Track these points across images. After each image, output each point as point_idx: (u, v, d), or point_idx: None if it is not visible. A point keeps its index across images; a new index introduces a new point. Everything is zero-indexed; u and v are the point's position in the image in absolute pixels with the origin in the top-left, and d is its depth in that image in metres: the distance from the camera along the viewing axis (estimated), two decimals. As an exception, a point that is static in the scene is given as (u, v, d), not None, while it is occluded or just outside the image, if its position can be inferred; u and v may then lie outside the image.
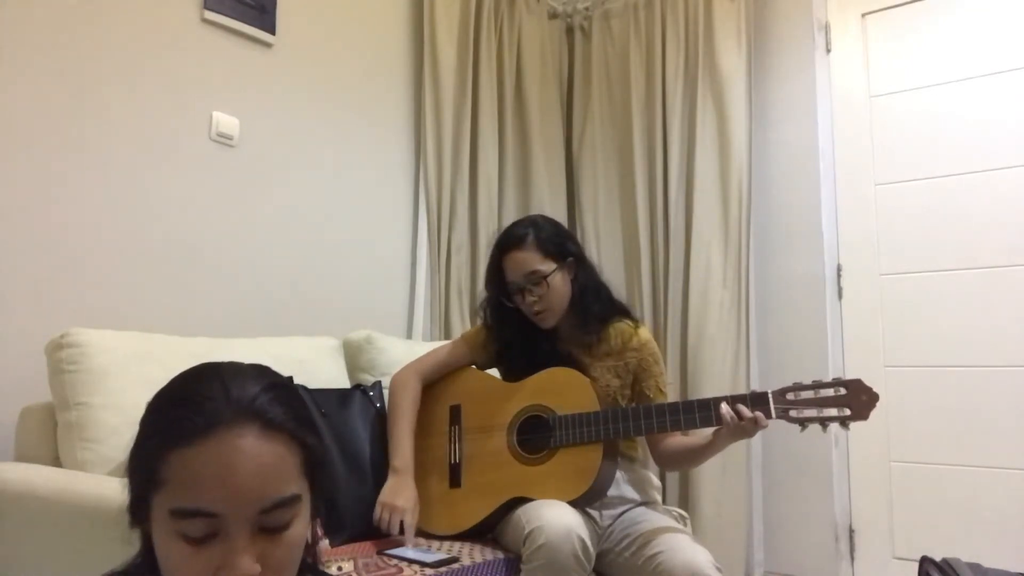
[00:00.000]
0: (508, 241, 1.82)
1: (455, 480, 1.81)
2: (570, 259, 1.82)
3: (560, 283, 1.79)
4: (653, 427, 1.67)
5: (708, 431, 1.67)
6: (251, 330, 2.18)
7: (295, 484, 0.68)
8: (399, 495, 1.70)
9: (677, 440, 1.78)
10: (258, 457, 0.65)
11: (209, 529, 0.64)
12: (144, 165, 2.08)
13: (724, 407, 1.58)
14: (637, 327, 1.87)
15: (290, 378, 0.74)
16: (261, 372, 0.73)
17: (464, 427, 1.84)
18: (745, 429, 1.57)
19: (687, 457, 1.79)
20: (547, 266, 1.77)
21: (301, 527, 0.69)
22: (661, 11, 3.12)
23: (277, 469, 0.67)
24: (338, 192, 2.59)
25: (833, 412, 1.54)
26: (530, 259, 1.77)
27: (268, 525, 0.66)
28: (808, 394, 1.57)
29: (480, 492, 1.76)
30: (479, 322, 1.98)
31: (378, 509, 1.69)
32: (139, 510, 0.68)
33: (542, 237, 1.80)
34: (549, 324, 1.82)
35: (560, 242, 1.82)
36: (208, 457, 0.64)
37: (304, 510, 0.70)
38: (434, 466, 1.84)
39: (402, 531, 1.66)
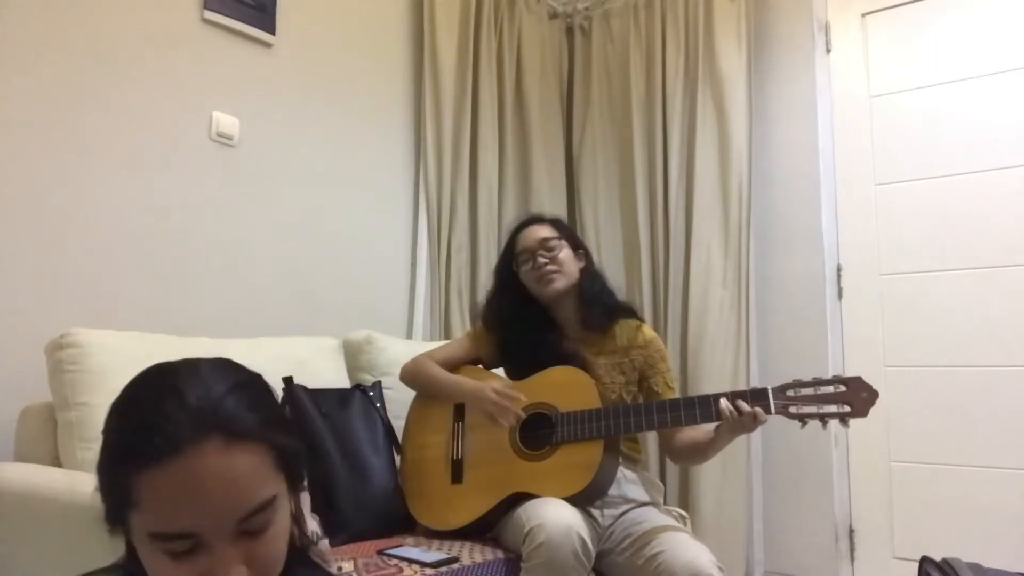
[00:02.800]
0: (528, 218, 1.96)
1: (457, 476, 1.81)
2: (581, 251, 1.92)
3: (570, 258, 1.88)
4: (654, 423, 1.68)
5: (711, 427, 1.67)
6: (251, 330, 2.18)
7: (270, 485, 0.67)
8: (486, 383, 1.81)
9: (686, 435, 1.79)
10: (227, 472, 0.63)
11: (191, 545, 0.63)
12: (144, 165, 2.08)
13: (723, 402, 1.59)
14: (641, 326, 1.88)
15: (256, 377, 0.72)
16: (220, 372, 0.69)
17: (467, 424, 1.85)
18: (744, 424, 1.58)
19: (695, 451, 1.80)
20: (561, 236, 1.88)
21: (282, 521, 0.69)
22: (661, 11, 3.12)
23: (248, 478, 0.65)
24: (338, 192, 2.59)
25: (833, 409, 1.54)
26: (547, 230, 1.89)
27: (249, 529, 0.65)
28: (808, 391, 1.57)
29: (481, 488, 1.76)
30: (479, 321, 1.99)
31: (489, 401, 1.78)
32: (117, 522, 0.67)
33: (562, 224, 1.95)
34: (556, 287, 1.84)
35: (575, 236, 1.96)
36: (176, 480, 0.62)
37: (283, 504, 0.69)
38: (436, 462, 1.85)
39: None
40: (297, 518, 0.76)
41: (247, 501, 0.65)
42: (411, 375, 1.96)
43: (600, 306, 1.87)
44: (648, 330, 1.89)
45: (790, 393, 1.58)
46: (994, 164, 2.59)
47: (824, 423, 1.56)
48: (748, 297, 2.84)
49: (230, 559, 0.64)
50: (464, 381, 1.88)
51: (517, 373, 1.88)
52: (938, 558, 1.71)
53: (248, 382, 0.70)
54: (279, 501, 0.68)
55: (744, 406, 1.58)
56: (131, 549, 0.70)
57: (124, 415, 0.67)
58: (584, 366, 1.81)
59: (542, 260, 1.84)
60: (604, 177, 3.27)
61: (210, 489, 0.63)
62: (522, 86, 3.17)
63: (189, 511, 0.62)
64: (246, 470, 0.65)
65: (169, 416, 0.63)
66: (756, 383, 2.79)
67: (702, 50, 2.99)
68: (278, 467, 0.68)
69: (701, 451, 1.76)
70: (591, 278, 1.90)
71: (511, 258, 1.91)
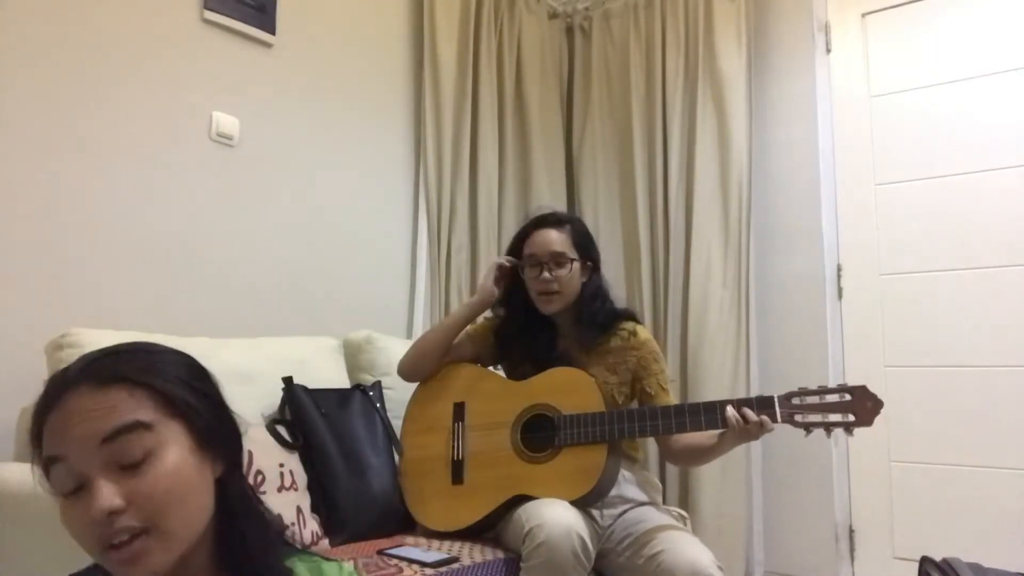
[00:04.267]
0: (547, 218, 1.90)
1: (457, 476, 1.81)
2: (589, 263, 1.87)
3: (575, 276, 1.84)
4: (659, 429, 1.68)
5: (714, 432, 1.67)
6: (251, 330, 2.18)
7: (139, 413, 0.70)
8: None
9: (685, 438, 1.78)
10: (90, 401, 0.69)
11: (74, 480, 0.68)
12: (144, 165, 2.08)
13: (730, 410, 1.58)
14: (636, 327, 1.88)
15: (180, 354, 0.79)
16: (121, 345, 0.77)
17: (468, 424, 1.85)
18: (750, 432, 1.57)
19: (695, 455, 1.79)
20: (572, 254, 1.84)
21: (170, 461, 0.70)
22: (661, 11, 3.12)
23: (109, 406, 0.70)
24: (338, 192, 2.59)
25: (838, 418, 1.54)
26: (561, 241, 1.84)
27: (120, 459, 0.68)
28: (813, 399, 1.57)
29: (482, 489, 1.76)
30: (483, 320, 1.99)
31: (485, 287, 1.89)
32: (54, 491, 0.72)
33: (577, 231, 1.89)
34: (551, 309, 1.84)
35: (588, 244, 1.90)
36: (54, 419, 0.70)
37: (169, 442, 0.71)
38: (437, 462, 1.84)
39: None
40: (254, 499, 0.80)
41: (104, 423, 0.69)
42: (408, 358, 1.95)
43: (595, 326, 1.84)
44: (643, 331, 1.88)
45: (795, 401, 1.58)
46: (994, 164, 2.59)
47: (829, 432, 1.57)
48: (748, 297, 2.84)
49: (100, 485, 0.67)
50: (454, 313, 1.95)
51: (516, 372, 1.88)
52: (938, 558, 1.70)
53: (142, 349, 0.76)
54: (159, 435, 0.70)
55: (750, 414, 1.57)
56: None
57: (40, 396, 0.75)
58: (577, 367, 1.80)
59: (546, 276, 1.81)
60: (604, 177, 3.27)
61: (73, 411, 0.69)
62: (522, 86, 3.17)
63: (58, 433, 0.69)
64: (113, 402, 0.70)
65: (52, 381, 0.73)
66: (756, 383, 2.79)
67: (702, 50, 2.99)
68: (163, 409, 0.72)
69: (701, 455, 1.76)
70: (592, 292, 1.86)
71: (521, 246, 1.89)
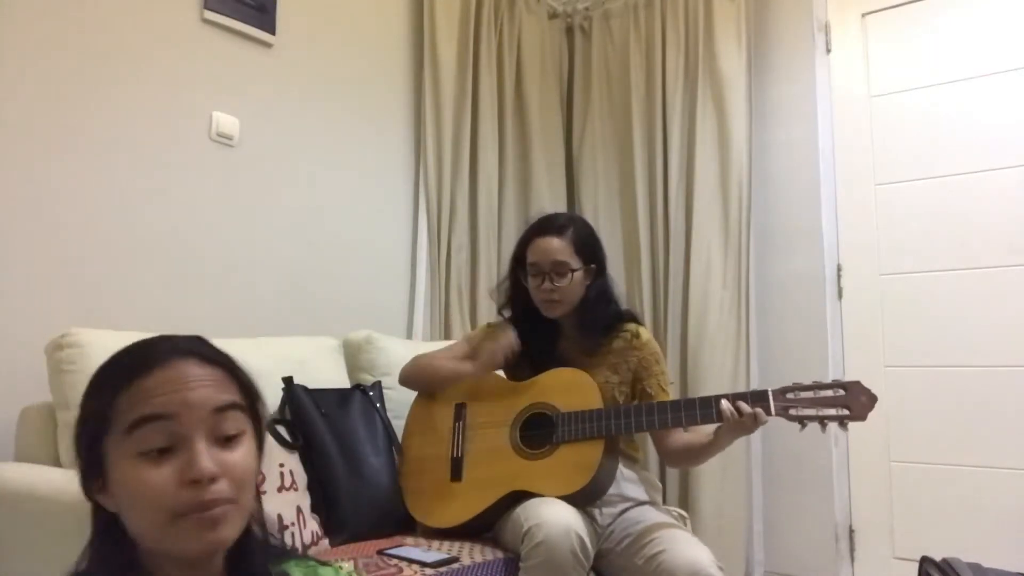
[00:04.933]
0: (548, 225, 1.85)
1: (456, 473, 1.81)
2: (593, 265, 1.85)
3: (578, 283, 1.82)
4: (655, 423, 1.69)
5: (710, 429, 1.67)
6: (251, 330, 2.18)
7: (238, 398, 0.75)
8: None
9: (681, 438, 1.78)
10: (202, 372, 0.73)
11: (167, 439, 0.69)
12: (144, 165, 2.08)
13: (724, 403, 1.59)
14: (638, 328, 1.88)
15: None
16: (196, 337, 0.79)
17: (468, 423, 1.85)
18: (745, 425, 1.59)
19: (691, 454, 1.80)
20: (574, 262, 1.81)
21: (250, 447, 0.75)
22: (661, 11, 3.12)
23: (221, 382, 0.74)
24: (338, 192, 2.59)
25: (832, 412, 1.55)
26: (562, 249, 1.80)
27: (223, 431, 0.72)
28: (808, 394, 1.58)
29: (480, 485, 1.76)
30: (488, 316, 1.99)
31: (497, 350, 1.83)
32: (93, 468, 0.72)
33: (580, 235, 1.85)
34: (554, 314, 1.83)
35: (592, 246, 1.87)
36: (158, 379, 0.71)
37: (249, 436, 0.75)
38: (436, 460, 1.85)
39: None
40: (258, 514, 0.80)
41: (221, 394, 0.73)
42: (410, 373, 1.95)
43: (597, 330, 1.84)
44: (644, 332, 1.88)
45: (790, 396, 1.59)
46: (994, 164, 2.59)
47: (823, 426, 1.57)
48: (748, 297, 2.84)
49: (205, 449, 0.70)
50: (461, 364, 1.89)
51: (516, 372, 1.88)
52: (938, 558, 1.71)
53: (218, 348, 0.79)
54: (245, 421, 0.75)
55: (745, 407, 1.58)
56: (99, 530, 0.74)
57: (112, 359, 0.76)
58: (578, 367, 1.80)
59: (547, 286, 1.79)
60: (604, 177, 3.27)
61: (191, 378, 0.72)
62: (522, 86, 3.17)
63: (170, 394, 0.70)
64: (219, 377, 0.74)
65: (155, 346, 0.75)
66: (756, 383, 2.79)
67: (702, 50, 2.99)
68: (245, 403, 0.76)
69: (697, 453, 1.76)
70: (596, 294, 1.85)
71: (524, 253, 1.86)
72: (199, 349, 0.75)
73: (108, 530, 0.73)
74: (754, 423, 1.58)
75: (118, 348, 0.77)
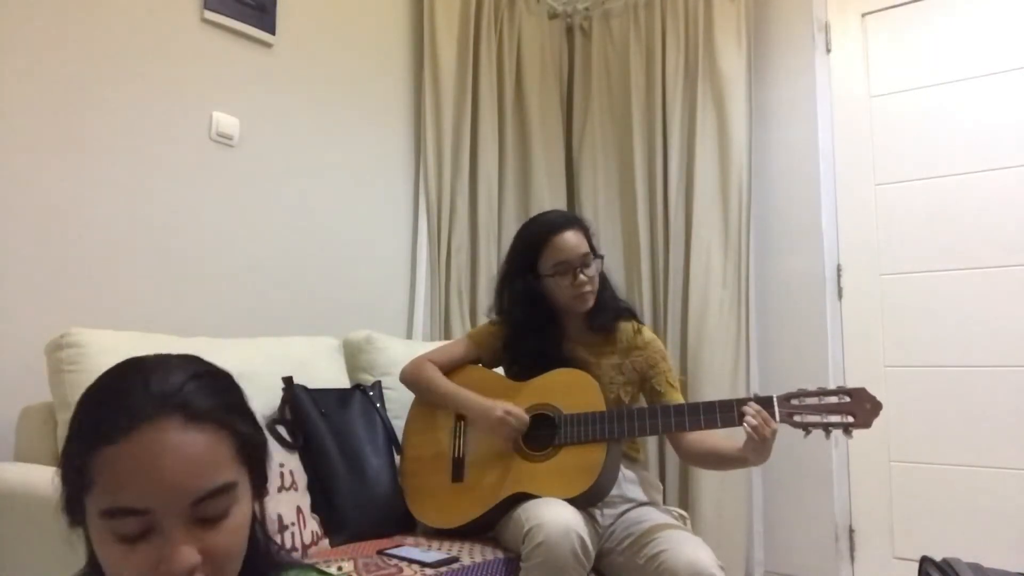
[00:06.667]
0: (560, 221, 1.86)
1: (458, 474, 1.81)
2: (599, 257, 1.88)
3: (598, 271, 1.86)
4: (659, 427, 1.69)
5: (740, 442, 1.64)
6: (251, 330, 2.18)
7: (228, 471, 0.67)
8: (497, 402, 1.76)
9: (704, 443, 1.74)
10: (183, 448, 0.64)
11: (143, 526, 0.63)
12: (144, 165, 2.07)
13: (750, 406, 1.57)
14: (641, 327, 1.89)
15: (225, 372, 0.74)
16: (186, 362, 0.71)
17: (469, 423, 1.85)
18: (759, 431, 1.54)
19: (712, 459, 1.78)
20: (592, 251, 1.85)
21: (241, 513, 0.68)
22: (661, 11, 3.12)
23: (205, 459, 0.65)
24: (338, 192, 2.59)
25: (836, 419, 1.55)
26: (582, 241, 1.84)
27: (204, 516, 0.65)
28: (812, 400, 1.57)
29: (482, 487, 1.76)
30: (486, 318, 1.99)
31: (497, 419, 1.73)
32: (75, 511, 0.67)
33: (588, 230, 1.89)
34: (587, 307, 1.84)
35: (594, 240, 1.91)
36: (132, 454, 0.62)
37: (243, 495, 0.69)
38: (437, 460, 1.85)
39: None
40: (262, 522, 0.76)
41: (203, 481, 0.64)
42: (411, 379, 1.93)
43: (608, 311, 1.86)
44: (647, 331, 1.90)
45: (794, 402, 1.58)
46: (994, 164, 2.59)
47: (828, 433, 1.57)
48: (748, 297, 2.84)
49: (182, 541, 0.63)
50: (467, 396, 1.82)
51: (518, 373, 1.88)
52: (938, 558, 1.71)
53: (211, 372, 0.71)
54: (239, 491, 0.67)
55: (750, 410, 1.56)
56: (90, 552, 0.70)
57: (90, 398, 0.68)
58: (583, 368, 1.81)
59: (583, 278, 1.80)
60: (604, 177, 3.27)
61: (165, 464, 0.63)
62: (522, 86, 3.17)
63: (143, 485, 0.62)
64: (203, 450, 0.65)
65: (130, 397, 0.65)
66: (756, 383, 2.79)
67: (702, 50, 3.00)
68: (239, 458, 0.68)
69: (719, 462, 1.77)
70: (602, 283, 1.88)
71: (536, 257, 1.83)
72: (185, 399, 0.66)
73: (94, 555, 0.68)
74: (765, 426, 1.54)
75: (111, 359, 0.70)
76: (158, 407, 0.64)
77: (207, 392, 0.68)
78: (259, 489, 0.73)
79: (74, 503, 0.66)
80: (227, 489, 0.66)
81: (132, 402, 0.64)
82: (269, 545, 0.79)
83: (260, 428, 0.73)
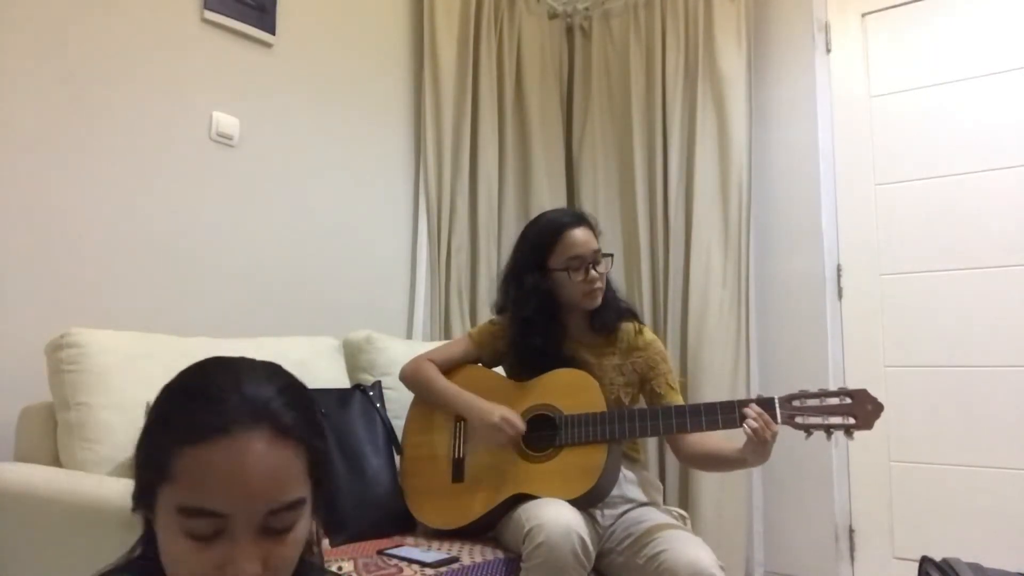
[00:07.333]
0: (577, 218, 1.86)
1: (458, 475, 1.81)
2: (610, 255, 1.89)
3: (608, 270, 1.86)
4: (659, 429, 1.69)
5: (735, 439, 1.64)
6: (251, 330, 2.18)
7: (301, 487, 0.69)
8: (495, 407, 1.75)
9: (704, 445, 1.75)
10: (268, 460, 0.65)
11: (215, 528, 0.64)
12: (144, 165, 2.08)
13: (751, 408, 1.57)
14: (642, 328, 1.89)
15: (305, 385, 0.75)
16: (275, 372, 0.73)
17: (469, 424, 1.84)
18: (759, 434, 1.54)
19: (711, 461, 1.78)
20: (602, 249, 1.85)
21: (303, 528, 0.70)
22: (661, 11, 3.12)
23: (286, 473, 0.67)
24: (338, 192, 2.59)
25: (838, 420, 1.55)
26: (593, 239, 1.84)
27: (273, 526, 0.66)
28: (814, 402, 1.58)
29: (482, 487, 1.76)
30: (488, 316, 1.98)
31: (494, 425, 1.72)
32: (144, 498, 0.69)
33: (597, 228, 1.89)
34: (597, 304, 1.84)
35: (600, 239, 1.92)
36: (221, 457, 0.64)
37: (307, 512, 0.71)
38: (437, 460, 1.84)
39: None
40: (316, 535, 0.78)
41: (282, 494, 0.66)
42: (410, 378, 1.92)
43: (611, 310, 1.86)
44: (648, 332, 1.90)
45: (796, 404, 1.58)
46: (994, 164, 2.59)
47: (829, 434, 1.57)
48: (748, 297, 2.84)
49: (251, 553, 0.65)
50: (466, 398, 1.81)
51: (518, 373, 1.88)
52: (938, 558, 1.71)
53: (297, 385, 0.73)
54: (305, 507, 0.70)
55: (752, 412, 1.56)
56: (145, 540, 0.71)
57: (181, 393, 0.69)
58: (584, 368, 1.80)
59: (595, 275, 1.80)
60: (604, 177, 3.27)
61: (251, 473, 0.64)
62: (522, 86, 3.17)
63: (227, 490, 0.64)
64: (286, 464, 0.67)
65: (226, 398, 0.66)
66: (756, 383, 2.79)
67: (702, 50, 3.00)
68: (309, 473, 0.70)
69: (718, 464, 1.77)
70: (606, 283, 1.88)
71: (547, 252, 1.82)
72: (277, 411, 0.67)
73: (153, 542, 0.70)
74: (766, 428, 1.54)
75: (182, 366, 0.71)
76: (252, 415, 0.66)
77: (294, 406, 0.70)
78: (318, 505, 0.74)
79: (146, 492, 0.68)
80: (298, 504, 0.68)
81: (227, 406, 0.66)
82: (315, 559, 0.80)
83: (328, 441, 0.75)
